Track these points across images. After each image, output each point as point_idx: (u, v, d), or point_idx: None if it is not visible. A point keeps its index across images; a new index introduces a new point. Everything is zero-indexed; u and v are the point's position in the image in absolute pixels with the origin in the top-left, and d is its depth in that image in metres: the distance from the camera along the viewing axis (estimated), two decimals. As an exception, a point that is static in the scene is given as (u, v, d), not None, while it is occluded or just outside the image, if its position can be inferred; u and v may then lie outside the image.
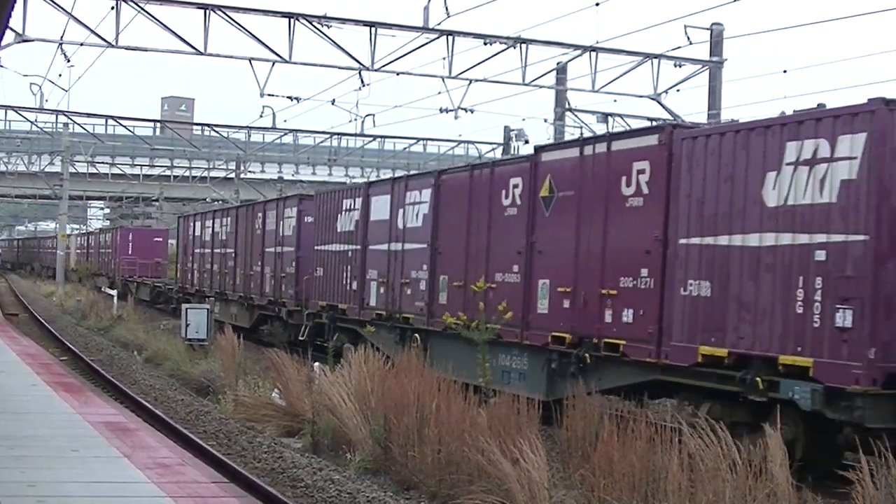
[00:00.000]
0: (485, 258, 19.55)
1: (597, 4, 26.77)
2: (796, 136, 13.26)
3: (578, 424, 12.96)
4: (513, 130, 40.74)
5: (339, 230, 26.56)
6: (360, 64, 28.72)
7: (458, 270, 20.42)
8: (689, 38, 28.69)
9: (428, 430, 12.67)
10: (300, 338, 28.18)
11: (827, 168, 12.84)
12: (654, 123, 27.76)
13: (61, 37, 28.06)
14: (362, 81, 30.63)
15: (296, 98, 36.11)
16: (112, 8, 26.23)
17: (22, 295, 57.47)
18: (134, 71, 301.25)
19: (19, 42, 26.18)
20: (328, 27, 27.62)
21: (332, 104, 38.98)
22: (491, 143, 49.96)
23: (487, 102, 67.84)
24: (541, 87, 31.28)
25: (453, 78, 29.77)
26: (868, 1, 26.49)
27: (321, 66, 29.39)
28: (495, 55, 29.32)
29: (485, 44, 28.78)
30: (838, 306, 12.48)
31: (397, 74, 30.12)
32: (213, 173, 64.63)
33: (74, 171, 61.89)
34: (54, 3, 25.99)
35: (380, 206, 24.34)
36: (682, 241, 14.86)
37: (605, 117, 33.18)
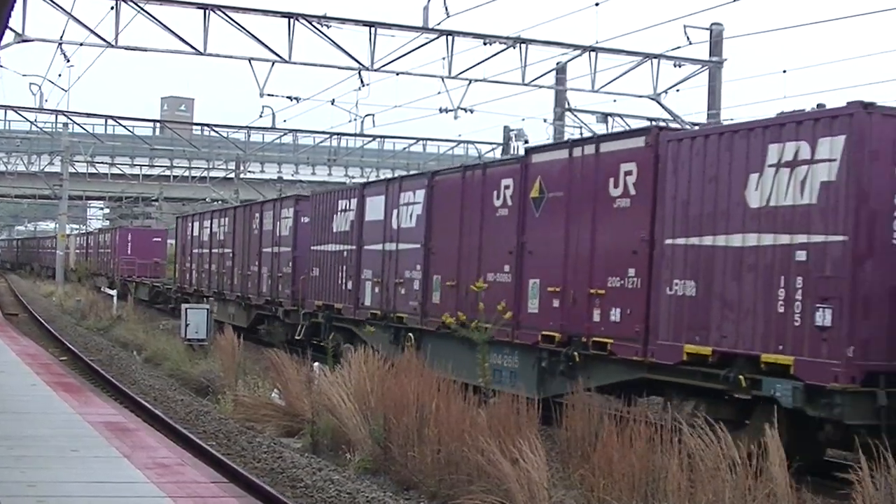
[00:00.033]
0: (477, 258, 19.76)
1: (596, 4, 26.84)
2: (778, 138, 13.50)
3: (578, 424, 13.03)
4: (512, 130, 40.70)
5: (334, 230, 26.77)
6: (360, 64, 28.77)
7: (451, 270, 20.65)
8: (688, 38, 28.65)
9: (427, 430, 12.69)
10: (297, 337, 28.37)
11: (807, 170, 13.07)
12: (654, 123, 27.98)
13: (61, 37, 28.14)
14: (362, 81, 30.70)
15: (295, 98, 36.12)
16: (112, 8, 26.28)
17: (21, 295, 57.47)
18: (134, 71, 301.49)
19: (19, 42, 26.20)
20: (328, 27, 27.64)
21: (332, 104, 39.06)
22: (490, 144, 50.00)
23: (487, 102, 68.04)
24: (540, 87, 31.27)
25: (453, 78, 29.78)
26: (868, 1, 26.69)
27: (321, 66, 29.44)
28: (495, 55, 29.36)
29: (484, 44, 28.79)
30: (818, 306, 12.72)
31: (397, 74, 30.17)
32: (213, 173, 64.54)
33: (74, 171, 61.88)
34: (54, 3, 26.03)
35: (374, 207, 24.53)
36: (668, 241, 15.08)
37: (604, 117, 33.16)
